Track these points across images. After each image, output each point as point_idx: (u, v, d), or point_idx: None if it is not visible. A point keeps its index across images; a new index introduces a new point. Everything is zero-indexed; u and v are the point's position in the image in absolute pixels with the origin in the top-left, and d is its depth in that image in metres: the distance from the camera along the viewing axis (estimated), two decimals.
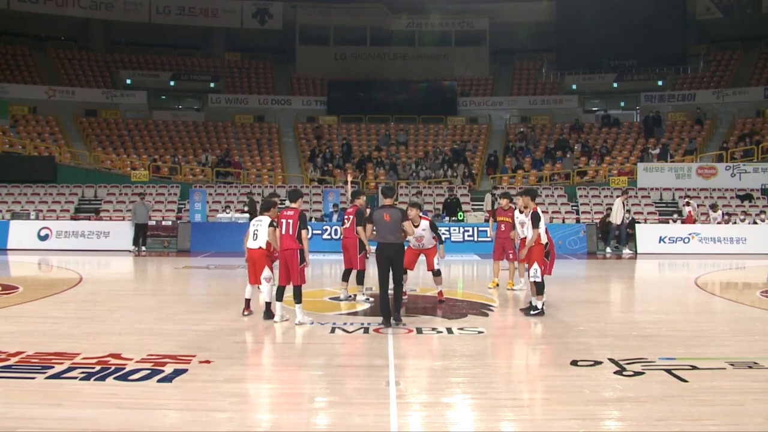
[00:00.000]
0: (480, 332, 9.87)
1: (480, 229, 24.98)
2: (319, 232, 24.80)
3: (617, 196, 26.03)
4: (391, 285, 10.27)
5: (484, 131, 40.01)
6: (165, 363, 7.77)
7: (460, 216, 26.48)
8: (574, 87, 42.89)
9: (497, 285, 14.69)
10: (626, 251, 24.76)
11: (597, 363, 7.97)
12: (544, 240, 11.16)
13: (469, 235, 24.89)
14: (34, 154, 33.86)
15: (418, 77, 43.80)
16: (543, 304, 11.12)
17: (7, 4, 40.82)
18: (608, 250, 25.29)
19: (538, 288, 10.97)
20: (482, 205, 28.30)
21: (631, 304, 14.28)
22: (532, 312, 10.99)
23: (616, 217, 24.83)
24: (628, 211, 26.62)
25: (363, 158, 36.45)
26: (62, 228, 25.19)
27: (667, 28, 41.63)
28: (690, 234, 24.87)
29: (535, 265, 10.96)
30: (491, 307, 12.13)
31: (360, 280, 12.54)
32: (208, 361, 7.92)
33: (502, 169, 35.69)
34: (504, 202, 14.68)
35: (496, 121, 41.11)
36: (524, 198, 11.89)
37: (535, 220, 11.12)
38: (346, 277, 12.69)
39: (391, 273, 10.25)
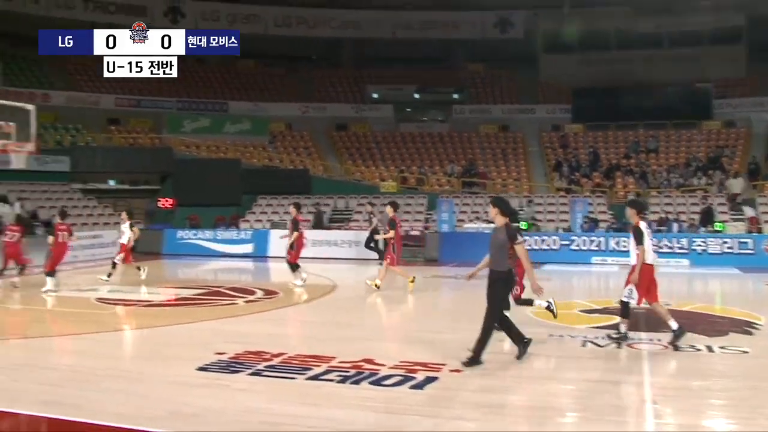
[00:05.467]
0: (744, 352, 9.13)
1: (740, 240, 23.09)
2: (567, 243, 24.15)
3: None
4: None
5: (743, 135, 37.12)
6: (416, 370, 7.87)
7: (720, 227, 24.66)
8: None
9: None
10: None
11: None
12: (649, 259, 9.49)
13: (728, 247, 23.02)
14: (291, 168, 36.16)
15: (666, 80, 41.47)
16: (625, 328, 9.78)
17: (265, 28, 43.67)
18: None
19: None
20: (741, 215, 26.33)
21: None
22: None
23: None
24: None
25: (611, 167, 35.20)
26: (314, 237, 26.14)
27: None
28: None
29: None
30: (756, 325, 11.12)
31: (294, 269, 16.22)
32: (458, 371, 7.94)
33: (765, 176, 32.84)
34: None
35: (758, 123, 37.92)
36: (630, 210, 9.99)
37: (638, 235, 9.50)
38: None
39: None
